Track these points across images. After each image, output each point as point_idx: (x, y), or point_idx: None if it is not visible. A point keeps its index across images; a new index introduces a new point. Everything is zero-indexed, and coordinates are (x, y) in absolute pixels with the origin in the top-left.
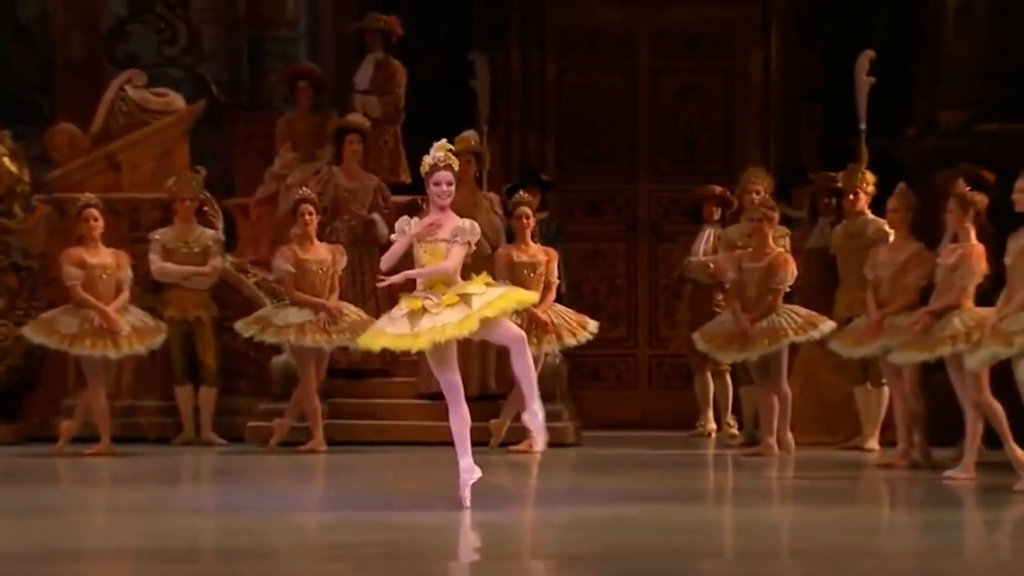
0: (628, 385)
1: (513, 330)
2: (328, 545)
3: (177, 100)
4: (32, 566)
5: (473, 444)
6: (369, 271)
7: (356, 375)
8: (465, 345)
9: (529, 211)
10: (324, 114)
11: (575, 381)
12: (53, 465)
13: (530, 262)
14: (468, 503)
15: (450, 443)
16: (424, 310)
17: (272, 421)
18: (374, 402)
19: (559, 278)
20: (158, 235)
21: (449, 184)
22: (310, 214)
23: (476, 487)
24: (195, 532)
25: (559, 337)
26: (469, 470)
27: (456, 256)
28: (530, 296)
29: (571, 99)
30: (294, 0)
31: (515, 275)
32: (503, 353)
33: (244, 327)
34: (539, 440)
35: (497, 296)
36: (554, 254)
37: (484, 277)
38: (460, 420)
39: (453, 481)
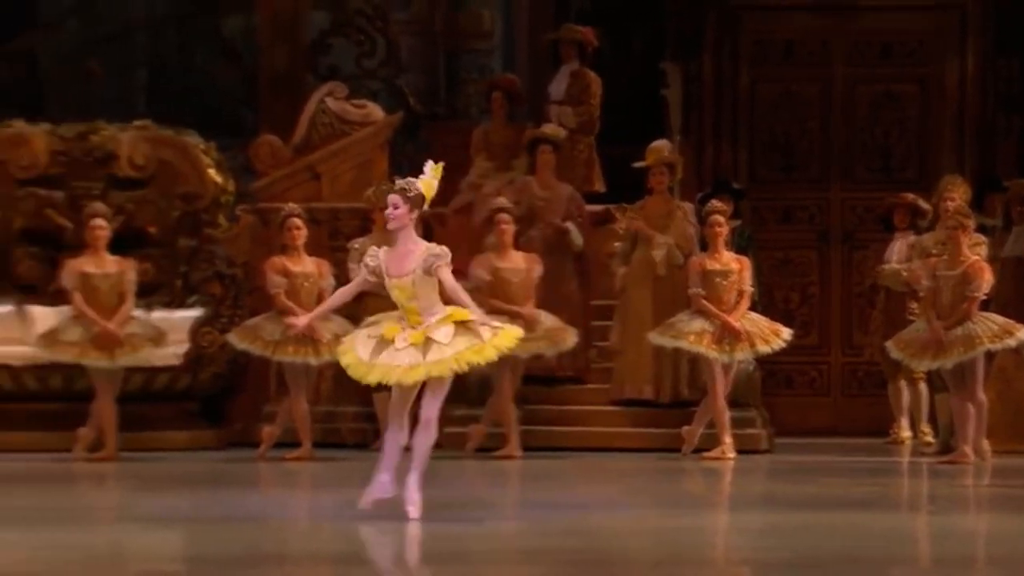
0: (821, 392)
1: (432, 405)
2: (522, 550)
3: (376, 111)
4: (234, 570)
5: (665, 450)
6: (563, 279)
7: (550, 382)
8: (658, 352)
9: (722, 219)
10: (519, 125)
11: (768, 388)
12: (255, 470)
13: (723, 270)
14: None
15: (644, 449)
16: (391, 342)
17: (468, 427)
18: (568, 408)
19: (752, 286)
20: (357, 244)
21: (395, 207)
22: (506, 223)
23: (669, 493)
24: (392, 536)
25: (752, 345)
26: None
27: (451, 282)
28: (483, 355)
29: (764, 108)
30: (490, 12)
31: (708, 283)
32: (694, 361)
33: None
34: (412, 510)
35: (453, 353)
36: (747, 262)
37: (460, 312)
38: (392, 438)
39: (646, 487)
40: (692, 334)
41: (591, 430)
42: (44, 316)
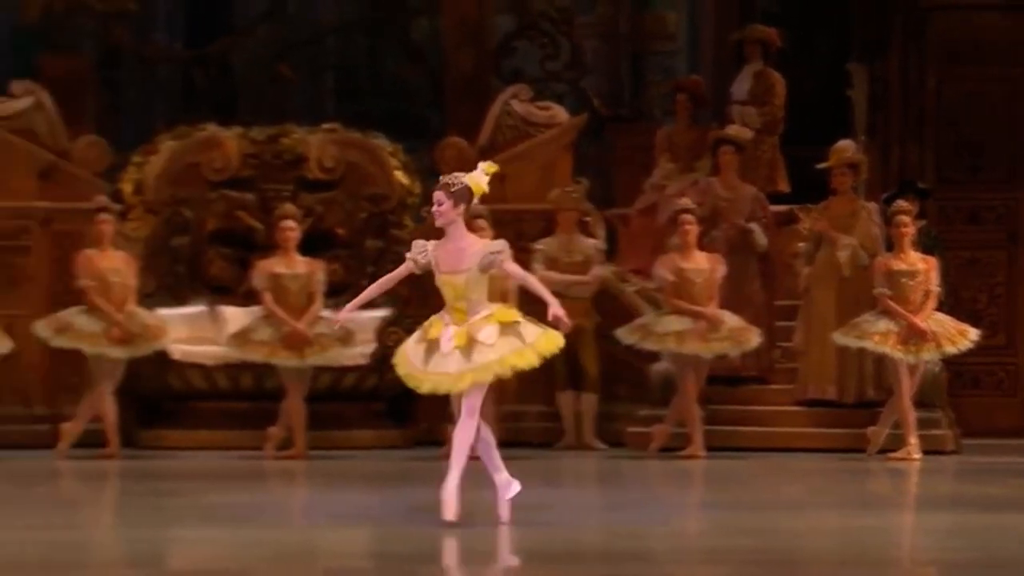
0: (1008, 393)
1: (468, 398)
2: (706, 549)
3: (560, 113)
4: (421, 567)
5: (849, 451)
6: (747, 279)
7: (734, 382)
8: (842, 352)
9: (908, 219)
10: (703, 126)
11: (954, 389)
12: (441, 468)
13: (909, 270)
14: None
15: (827, 450)
16: (437, 346)
17: (652, 427)
18: (752, 408)
19: (939, 286)
20: (541, 245)
21: (439, 204)
22: (690, 224)
23: (854, 493)
24: (577, 534)
25: (939, 345)
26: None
27: (518, 272)
28: (526, 359)
29: (951, 109)
30: (675, 14)
31: (894, 283)
32: (879, 361)
33: (625, 334)
34: (448, 513)
35: (497, 358)
36: (933, 262)
37: (505, 312)
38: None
39: (830, 487)
40: (877, 334)
41: (775, 430)
42: (235, 316)
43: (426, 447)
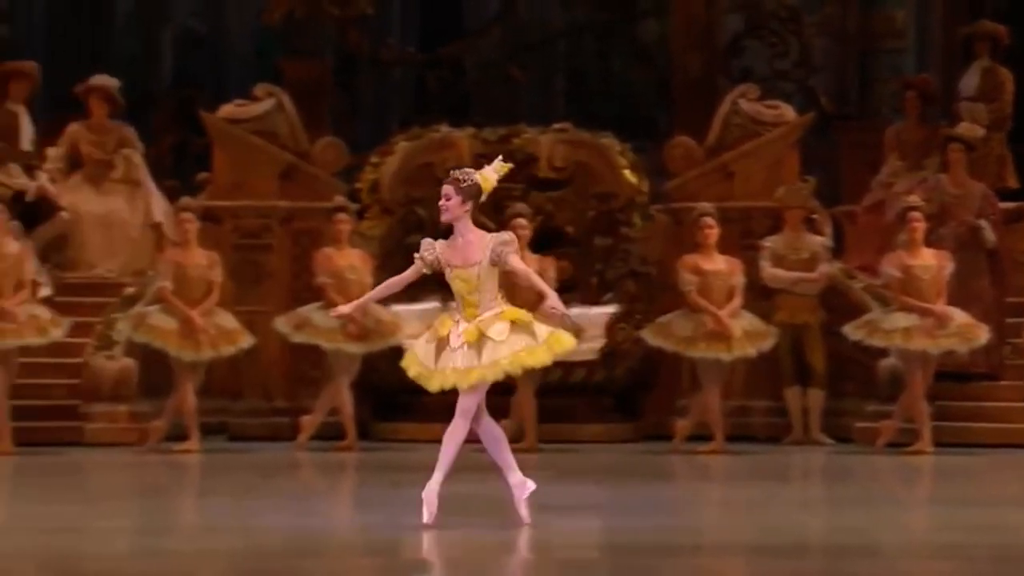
0: None
1: (463, 399)
2: (935, 545)
3: (788, 112)
4: (650, 559)
5: None
6: (975, 276)
7: (963, 378)
8: None
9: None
10: (932, 124)
11: None
12: (669, 462)
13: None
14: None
15: None
16: (447, 341)
17: (879, 423)
18: (982, 405)
19: None
20: (769, 242)
21: (447, 199)
22: (918, 221)
23: None
24: (804, 529)
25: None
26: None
27: (522, 267)
28: (536, 357)
29: None
30: (903, 12)
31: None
32: None
33: (852, 331)
34: (426, 515)
35: (508, 354)
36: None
37: (516, 311)
38: (458, 438)
39: None
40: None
41: (1005, 426)
42: None
43: (654, 441)
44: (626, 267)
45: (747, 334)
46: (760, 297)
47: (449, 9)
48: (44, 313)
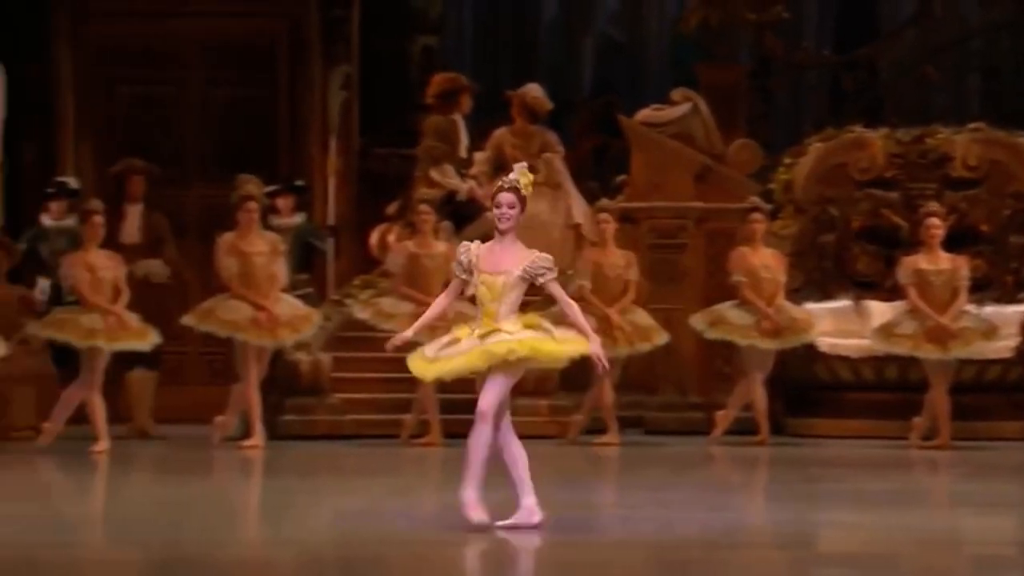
0: None
1: (485, 396)
2: None
3: None
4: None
5: None
6: None
7: None
8: None
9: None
10: None
11: None
12: None
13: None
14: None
15: None
16: (459, 342)
17: None
18: None
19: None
20: None
21: (511, 207)
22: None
23: None
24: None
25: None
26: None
27: (562, 295)
28: (545, 347)
29: None
30: None
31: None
32: None
33: None
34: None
35: (517, 340)
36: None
37: (534, 319)
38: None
39: None
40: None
41: None
42: (880, 311)
43: None
44: None
45: None
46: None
47: (863, 11)
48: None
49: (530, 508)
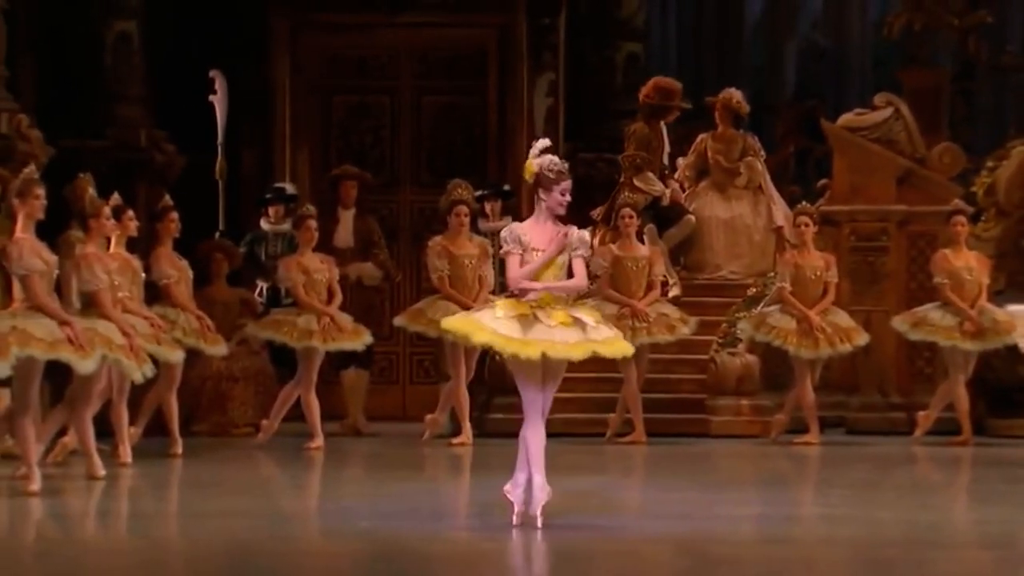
0: None
1: (550, 398)
2: None
3: None
4: None
5: None
6: None
7: None
8: None
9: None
10: None
11: None
12: None
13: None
14: (541, 523)
15: None
16: (536, 319)
17: None
18: None
19: None
20: None
21: (569, 196)
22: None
23: None
24: None
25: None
26: (542, 488)
27: (582, 272)
28: (623, 350)
29: None
30: None
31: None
32: None
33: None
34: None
35: (603, 339)
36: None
37: (590, 308)
38: (537, 438)
39: None
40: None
41: None
42: None
43: None
44: None
45: None
46: None
47: None
48: (673, 312)
49: (541, 486)
